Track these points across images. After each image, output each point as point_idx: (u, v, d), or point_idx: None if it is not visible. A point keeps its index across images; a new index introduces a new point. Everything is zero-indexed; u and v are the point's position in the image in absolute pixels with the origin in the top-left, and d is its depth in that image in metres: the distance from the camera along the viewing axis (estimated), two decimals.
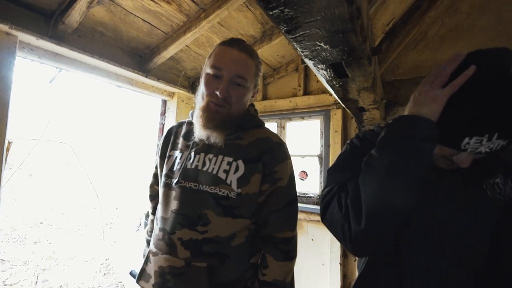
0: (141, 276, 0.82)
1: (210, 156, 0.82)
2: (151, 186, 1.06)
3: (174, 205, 0.80)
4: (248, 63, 0.80)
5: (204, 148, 0.83)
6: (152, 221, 1.01)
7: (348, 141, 0.82)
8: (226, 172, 0.78)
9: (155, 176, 1.03)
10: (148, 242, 0.99)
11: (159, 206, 0.85)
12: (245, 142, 0.83)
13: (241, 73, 0.78)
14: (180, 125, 0.97)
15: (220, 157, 0.81)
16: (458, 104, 0.52)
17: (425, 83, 0.57)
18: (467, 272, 0.62)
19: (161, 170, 0.91)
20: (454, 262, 0.62)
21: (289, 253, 0.82)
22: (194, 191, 0.79)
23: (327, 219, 0.69)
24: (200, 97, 0.82)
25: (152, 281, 0.78)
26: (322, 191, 0.75)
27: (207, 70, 0.80)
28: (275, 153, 0.82)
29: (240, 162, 0.79)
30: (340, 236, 0.65)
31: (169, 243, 0.77)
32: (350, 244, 0.63)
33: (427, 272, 0.64)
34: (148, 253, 0.83)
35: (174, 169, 0.85)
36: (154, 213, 1.03)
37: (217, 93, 0.76)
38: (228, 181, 0.78)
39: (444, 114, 0.54)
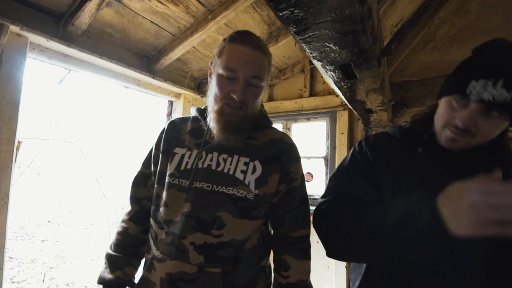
0: (142, 285, 0.75)
1: (225, 156, 0.78)
2: (136, 186, 0.91)
3: (185, 207, 0.74)
4: (262, 62, 0.76)
5: (217, 147, 0.79)
6: (126, 229, 0.86)
7: (356, 147, 0.82)
8: (244, 172, 0.76)
9: (147, 175, 0.90)
10: (110, 259, 0.82)
11: (162, 209, 0.78)
12: (259, 143, 0.82)
13: (257, 73, 0.74)
14: (183, 121, 0.91)
15: (236, 157, 0.78)
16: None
17: (477, 193, 0.44)
18: (476, 272, 0.62)
19: (164, 169, 0.83)
20: (463, 263, 0.62)
21: (307, 250, 0.82)
22: (207, 192, 0.74)
23: (315, 226, 0.76)
24: (212, 99, 0.78)
25: None
26: (322, 197, 0.79)
27: (219, 71, 0.74)
28: (290, 154, 0.83)
29: (257, 163, 0.78)
30: (323, 244, 0.73)
31: (179, 248, 0.71)
32: (328, 256, 0.72)
33: (435, 272, 0.64)
34: (152, 259, 0.75)
35: (182, 168, 0.79)
36: (133, 219, 0.87)
37: (234, 96, 0.73)
38: (247, 182, 0.75)
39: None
